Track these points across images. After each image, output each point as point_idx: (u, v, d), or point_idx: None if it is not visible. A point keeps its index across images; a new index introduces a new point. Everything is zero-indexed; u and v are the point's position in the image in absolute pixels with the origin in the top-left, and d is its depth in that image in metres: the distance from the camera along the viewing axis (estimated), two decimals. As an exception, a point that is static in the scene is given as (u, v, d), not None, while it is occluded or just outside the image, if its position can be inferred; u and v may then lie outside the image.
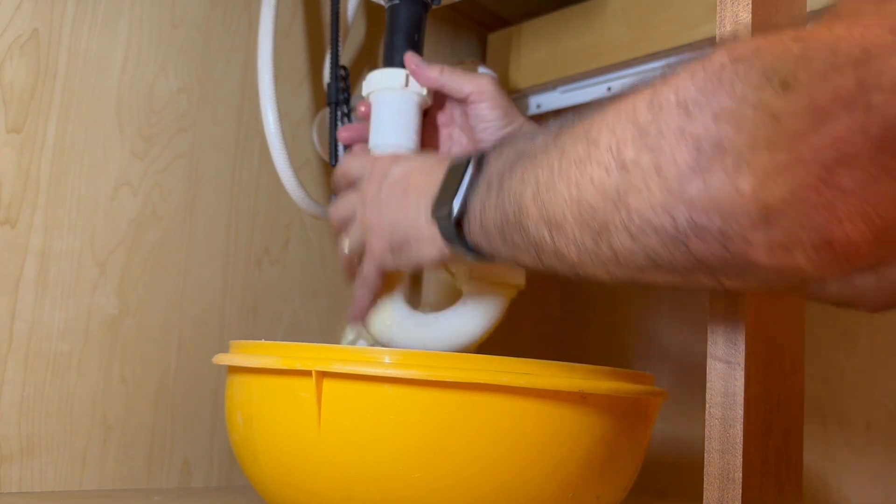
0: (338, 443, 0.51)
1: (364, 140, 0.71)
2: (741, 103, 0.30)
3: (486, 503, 0.51)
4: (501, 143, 0.51)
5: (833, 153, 0.27)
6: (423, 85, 0.69)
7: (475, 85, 0.67)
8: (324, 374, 0.50)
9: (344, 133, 0.74)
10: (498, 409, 0.50)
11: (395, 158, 0.64)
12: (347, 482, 0.51)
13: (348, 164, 0.67)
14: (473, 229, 0.50)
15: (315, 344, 0.56)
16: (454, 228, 0.51)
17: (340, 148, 0.81)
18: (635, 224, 0.35)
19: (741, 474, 0.40)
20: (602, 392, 0.52)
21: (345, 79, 0.81)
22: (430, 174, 0.58)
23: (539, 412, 0.50)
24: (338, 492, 0.51)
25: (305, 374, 0.51)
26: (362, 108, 0.72)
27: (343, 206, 0.66)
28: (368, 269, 0.63)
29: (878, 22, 0.26)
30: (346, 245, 0.65)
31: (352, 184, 0.66)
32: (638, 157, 0.34)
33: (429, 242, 0.56)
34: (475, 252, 0.52)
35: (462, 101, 0.69)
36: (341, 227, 0.67)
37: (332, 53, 0.81)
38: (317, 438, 0.51)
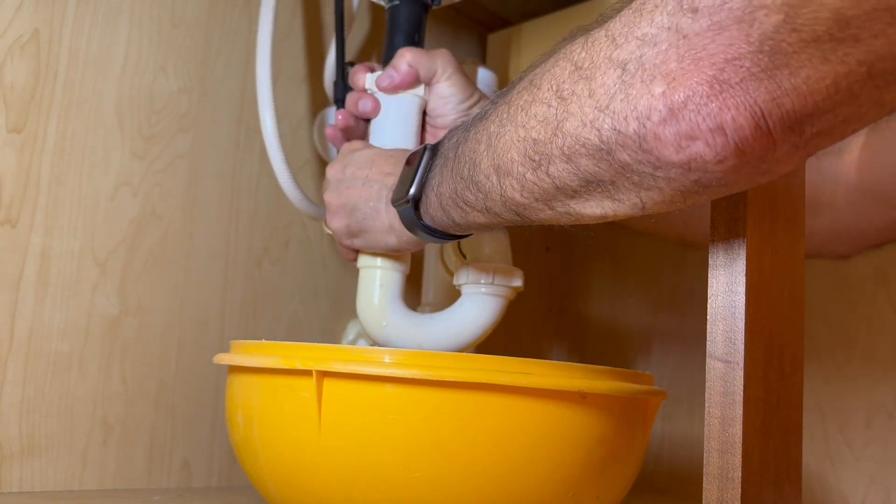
0: (338, 442, 0.51)
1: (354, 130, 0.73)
2: (659, 29, 0.35)
3: (487, 502, 0.51)
4: (455, 127, 0.54)
5: (723, 55, 0.33)
6: (403, 87, 0.69)
7: (439, 63, 0.70)
8: (324, 374, 0.50)
9: (330, 131, 0.74)
10: (498, 409, 0.50)
11: (364, 145, 0.67)
12: (348, 482, 0.51)
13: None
14: (430, 206, 0.53)
15: (315, 344, 0.56)
16: (412, 212, 0.54)
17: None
18: (568, 145, 0.40)
19: (740, 474, 0.40)
20: (602, 392, 0.52)
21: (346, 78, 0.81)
22: (394, 164, 0.61)
23: (539, 412, 0.50)
24: (338, 491, 0.52)
25: (306, 373, 0.51)
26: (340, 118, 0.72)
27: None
28: (340, 249, 0.67)
29: None
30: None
31: None
32: (574, 87, 0.39)
33: (387, 230, 0.60)
34: (432, 233, 0.55)
35: (427, 82, 0.71)
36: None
37: (337, 52, 0.81)
38: (317, 438, 0.51)
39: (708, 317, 0.43)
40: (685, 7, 0.34)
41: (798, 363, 0.44)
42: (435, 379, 0.49)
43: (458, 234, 0.56)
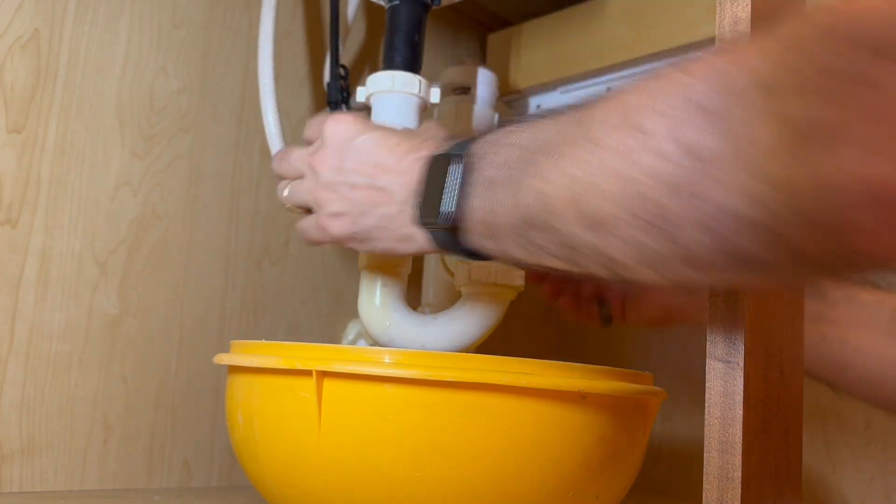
0: (338, 442, 0.51)
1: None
2: (830, 76, 0.27)
3: (486, 502, 0.51)
4: (486, 136, 0.48)
5: None
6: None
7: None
8: (324, 374, 0.50)
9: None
10: (498, 409, 0.50)
11: (357, 126, 0.56)
12: (348, 482, 0.51)
13: (308, 127, 0.61)
14: (476, 233, 0.47)
15: (315, 344, 0.56)
16: (450, 235, 0.48)
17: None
18: (710, 216, 0.31)
19: (740, 474, 0.40)
20: (601, 391, 0.52)
21: (344, 78, 0.81)
22: (400, 156, 0.53)
23: (539, 412, 0.51)
24: (338, 491, 0.52)
25: (306, 373, 0.51)
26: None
27: (291, 161, 0.60)
28: (309, 238, 0.59)
29: None
30: (286, 195, 0.60)
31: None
32: (705, 140, 0.31)
33: (403, 239, 0.52)
34: (473, 254, 0.49)
35: None
36: (283, 177, 0.61)
37: (331, 53, 0.81)
38: (317, 438, 0.51)
39: (708, 317, 0.43)
40: (863, 46, 0.26)
41: (798, 363, 0.44)
42: (435, 379, 0.49)
43: (517, 263, 0.49)
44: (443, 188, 0.47)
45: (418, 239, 0.51)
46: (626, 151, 0.34)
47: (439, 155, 0.49)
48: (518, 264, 0.48)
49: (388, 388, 0.50)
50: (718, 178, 0.30)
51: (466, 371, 0.49)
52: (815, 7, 0.29)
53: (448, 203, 0.46)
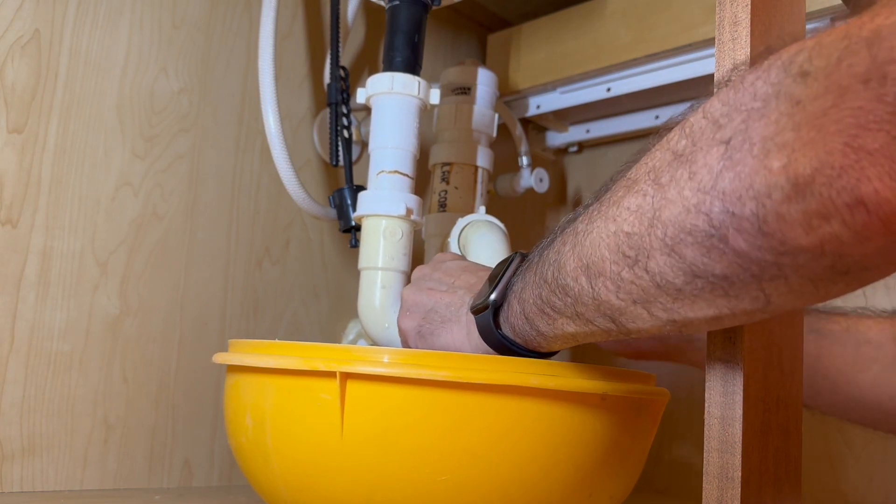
0: (361, 447, 0.49)
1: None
2: (764, 100, 0.31)
3: (513, 504, 0.50)
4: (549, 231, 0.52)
5: (854, 121, 0.28)
6: None
7: None
8: (348, 376, 0.49)
9: None
10: (527, 411, 0.49)
11: (456, 256, 0.65)
12: (370, 487, 0.50)
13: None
14: (511, 314, 0.50)
15: (336, 345, 0.54)
16: (490, 319, 0.51)
17: (341, 148, 0.81)
18: (670, 236, 0.35)
19: (740, 474, 0.40)
20: (620, 394, 0.52)
21: (344, 79, 0.81)
22: (484, 275, 0.58)
23: (563, 414, 0.50)
24: (360, 496, 0.50)
25: (327, 375, 0.49)
26: None
27: None
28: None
29: (889, 11, 0.28)
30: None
31: None
32: (673, 174, 0.36)
33: (462, 339, 0.55)
34: (511, 345, 0.51)
35: None
36: None
37: (331, 54, 0.81)
38: (339, 442, 0.49)
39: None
40: (792, 71, 0.31)
41: (798, 363, 0.44)
42: (465, 381, 0.48)
43: (540, 349, 0.51)
44: (499, 278, 0.52)
45: (473, 335, 0.54)
46: (618, 199, 0.39)
47: (511, 254, 0.54)
48: (542, 342, 0.50)
49: (416, 391, 0.49)
50: (672, 199, 0.35)
51: (497, 373, 0.48)
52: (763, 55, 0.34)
53: (497, 288, 0.51)
